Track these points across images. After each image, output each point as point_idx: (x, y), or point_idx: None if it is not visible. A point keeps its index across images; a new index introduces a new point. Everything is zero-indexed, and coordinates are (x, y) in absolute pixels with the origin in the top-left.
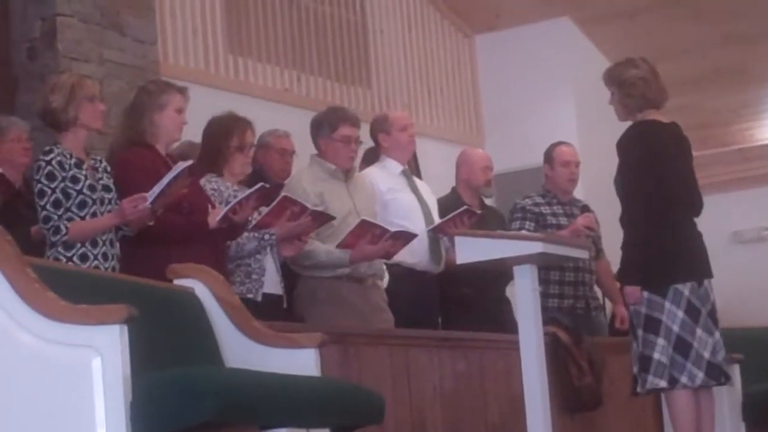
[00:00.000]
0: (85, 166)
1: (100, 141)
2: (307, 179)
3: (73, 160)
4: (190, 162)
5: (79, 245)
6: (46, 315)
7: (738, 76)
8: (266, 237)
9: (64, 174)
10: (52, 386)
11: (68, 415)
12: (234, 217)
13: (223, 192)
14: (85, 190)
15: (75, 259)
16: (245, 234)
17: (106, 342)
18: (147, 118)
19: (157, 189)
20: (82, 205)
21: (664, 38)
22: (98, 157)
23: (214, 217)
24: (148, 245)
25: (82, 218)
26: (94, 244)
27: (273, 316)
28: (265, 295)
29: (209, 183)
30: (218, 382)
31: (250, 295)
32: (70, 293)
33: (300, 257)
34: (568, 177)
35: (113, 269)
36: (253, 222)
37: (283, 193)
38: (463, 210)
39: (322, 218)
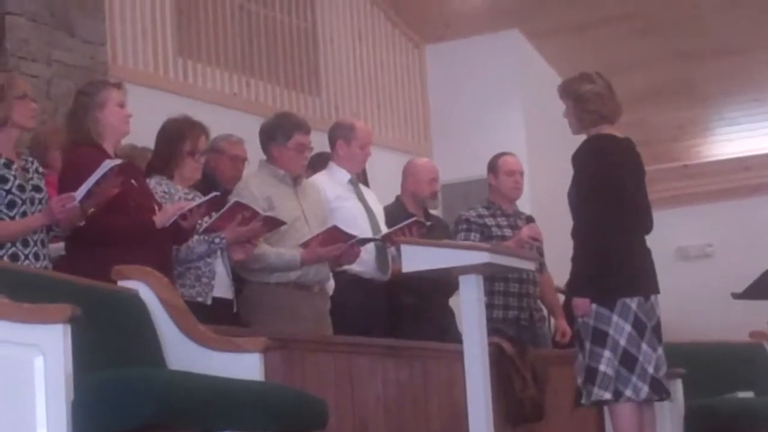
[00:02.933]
0: (15, 167)
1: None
2: (255, 184)
3: (2, 161)
4: (118, 161)
5: (9, 245)
6: None
7: (686, 93)
8: (216, 241)
9: None
10: None
11: (9, 413)
12: (183, 223)
13: (174, 195)
14: (14, 190)
15: (5, 258)
16: (195, 237)
17: (49, 341)
18: (90, 117)
19: (84, 188)
20: (11, 205)
21: (613, 53)
22: (29, 158)
23: (162, 217)
24: (94, 246)
25: (12, 218)
26: (25, 243)
27: (223, 320)
28: (215, 299)
29: (159, 185)
30: (159, 384)
31: (200, 299)
32: (12, 292)
33: (249, 261)
34: (512, 186)
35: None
36: (204, 225)
37: (235, 199)
38: (413, 221)
39: (273, 223)
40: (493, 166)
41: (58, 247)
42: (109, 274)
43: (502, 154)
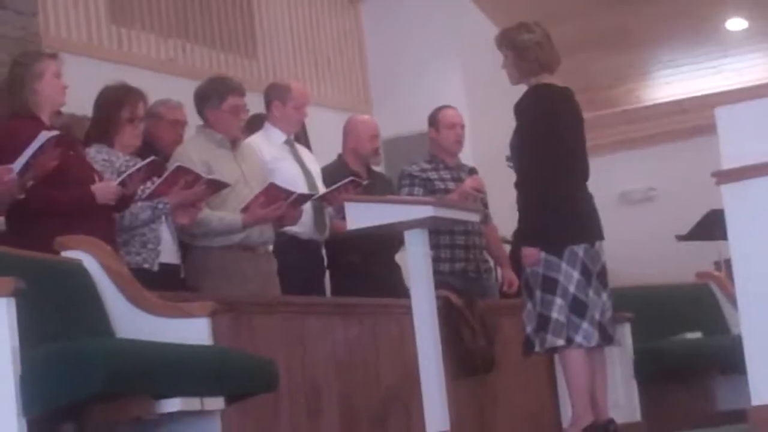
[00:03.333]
0: None
1: None
2: (193, 149)
3: None
4: (55, 132)
5: None
6: None
7: (623, 38)
8: (160, 206)
9: None
10: None
11: None
12: (123, 190)
13: (114, 162)
14: None
15: None
16: (139, 203)
17: None
18: (27, 88)
19: (21, 160)
20: None
21: (550, 2)
22: None
23: (105, 192)
24: (36, 219)
25: None
26: None
27: (170, 285)
28: (162, 264)
29: (100, 153)
30: (107, 353)
31: (146, 265)
32: None
33: (192, 226)
34: (454, 139)
35: None
36: (147, 191)
37: (177, 163)
38: (349, 180)
39: (217, 186)
40: (433, 120)
41: None
42: (52, 246)
43: (442, 107)
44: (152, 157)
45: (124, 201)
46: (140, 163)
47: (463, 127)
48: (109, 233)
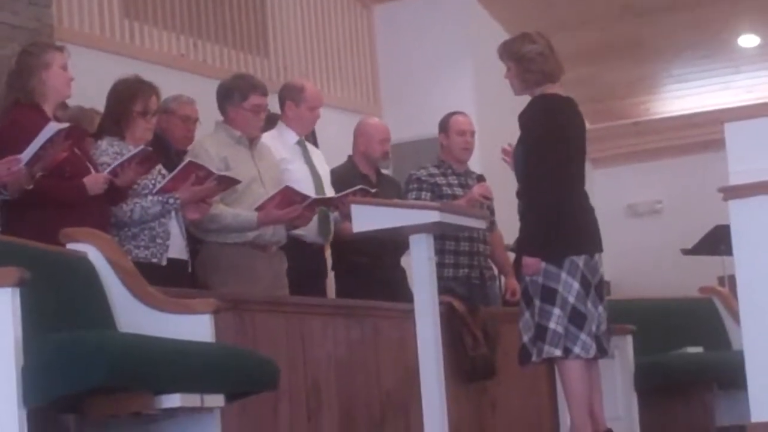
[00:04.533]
0: None
1: None
2: (211, 144)
3: None
4: (66, 125)
5: None
6: None
7: (635, 50)
8: (170, 201)
9: None
10: None
11: None
12: (116, 181)
13: (126, 156)
14: None
15: None
16: (149, 198)
17: None
18: (35, 78)
19: (30, 150)
20: None
21: (562, 10)
22: None
23: (94, 183)
24: (30, 209)
25: None
26: None
27: (178, 281)
28: (170, 259)
29: (111, 146)
30: (110, 347)
31: (154, 260)
32: None
33: (205, 221)
34: (463, 146)
35: None
36: (158, 186)
37: (188, 159)
38: (358, 189)
39: (228, 182)
40: (444, 126)
41: None
42: (47, 238)
43: (454, 113)
44: (142, 147)
45: (119, 193)
46: (131, 153)
47: (473, 134)
48: (104, 227)
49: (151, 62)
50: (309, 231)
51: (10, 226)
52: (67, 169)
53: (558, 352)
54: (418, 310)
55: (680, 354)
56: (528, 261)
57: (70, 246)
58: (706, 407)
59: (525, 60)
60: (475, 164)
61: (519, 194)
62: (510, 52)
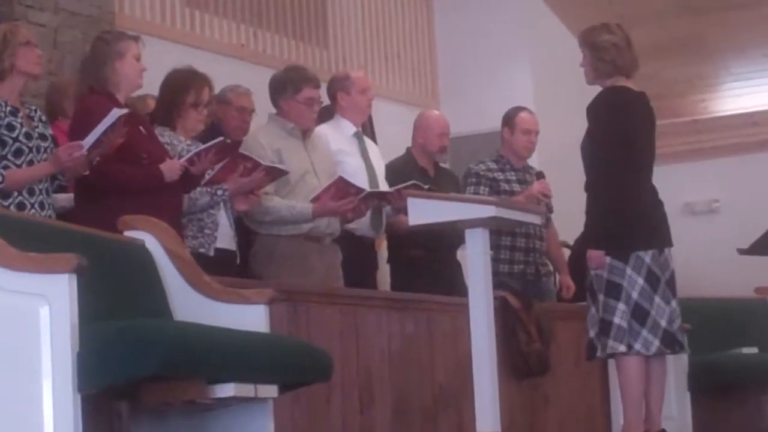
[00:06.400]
0: (20, 114)
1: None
2: (264, 136)
3: (9, 108)
4: (125, 110)
5: (15, 194)
6: None
7: (695, 48)
8: (219, 192)
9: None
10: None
11: (15, 363)
12: (191, 169)
13: (176, 146)
14: (21, 138)
15: (12, 207)
16: (198, 189)
17: (55, 291)
18: (109, 66)
19: (92, 137)
20: (18, 153)
21: (623, 7)
22: (33, 107)
23: (170, 170)
24: (106, 196)
25: (18, 166)
26: (31, 192)
27: (225, 271)
28: (217, 250)
29: (162, 136)
30: (165, 335)
31: (202, 250)
32: (19, 241)
33: (260, 213)
34: (527, 145)
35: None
36: (207, 178)
37: (224, 142)
38: (411, 184)
39: (276, 173)
40: (509, 121)
41: (66, 198)
42: (116, 225)
43: (521, 109)
44: (221, 138)
45: (193, 180)
46: (210, 143)
47: (537, 134)
48: (177, 213)
49: (211, 51)
50: (361, 225)
51: (84, 213)
52: (144, 156)
53: (622, 348)
54: (473, 305)
55: (735, 354)
56: (592, 254)
57: (128, 233)
58: (761, 409)
59: (598, 49)
60: (531, 161)
61: (586, 187)
62: (586, 40)
